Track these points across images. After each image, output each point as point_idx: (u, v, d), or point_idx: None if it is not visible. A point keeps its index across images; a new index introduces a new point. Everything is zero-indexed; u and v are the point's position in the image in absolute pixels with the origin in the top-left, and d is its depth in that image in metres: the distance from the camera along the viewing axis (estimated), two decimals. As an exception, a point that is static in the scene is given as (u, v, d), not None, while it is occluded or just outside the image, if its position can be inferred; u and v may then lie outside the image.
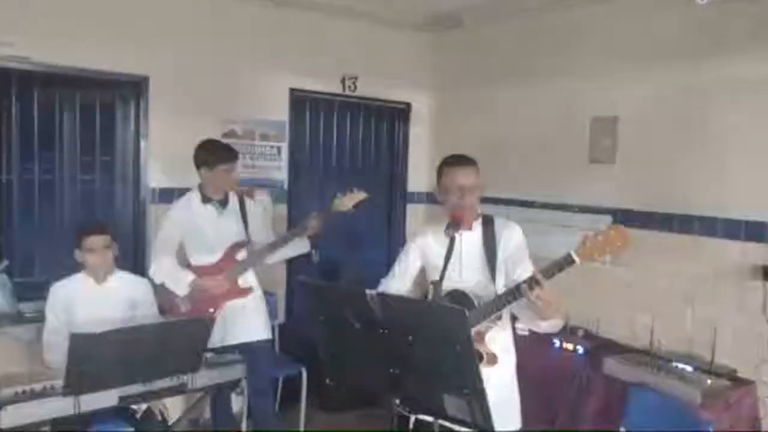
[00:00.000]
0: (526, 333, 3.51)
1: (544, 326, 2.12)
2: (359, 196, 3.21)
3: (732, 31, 3.09)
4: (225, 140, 3.64)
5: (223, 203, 3.30)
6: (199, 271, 3.22)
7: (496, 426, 2.04)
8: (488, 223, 2.36)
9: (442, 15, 4.72)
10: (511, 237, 2.32)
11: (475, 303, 2.23)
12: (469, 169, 2.31)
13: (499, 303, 2.13)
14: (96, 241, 2.87)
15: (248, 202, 3.42)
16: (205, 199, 3.25)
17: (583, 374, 3.02)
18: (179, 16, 3.86)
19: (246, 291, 3.30)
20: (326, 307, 1.95)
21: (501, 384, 2.31)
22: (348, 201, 3.19)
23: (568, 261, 1.98)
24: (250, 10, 4.11)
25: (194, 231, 3.23)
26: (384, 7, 4.52)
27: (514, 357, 2.42)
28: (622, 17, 3.58)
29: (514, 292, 2.06)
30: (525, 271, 2.23)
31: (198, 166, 3.21)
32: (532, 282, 1.97)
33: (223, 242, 3.25)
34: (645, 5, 3.46)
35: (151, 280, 3.23)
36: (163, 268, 3.17)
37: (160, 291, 3.25)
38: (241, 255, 3.29)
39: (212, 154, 3.19)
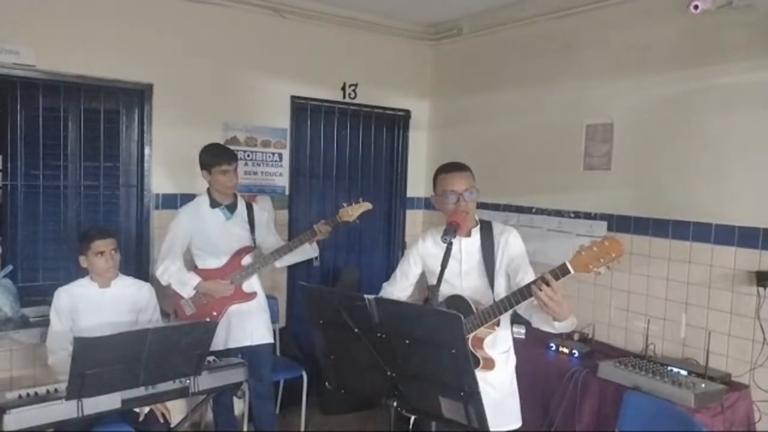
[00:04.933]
0: (523, 337, 3.58)
1: (558, 326, 2.13)
2: (364, 206, 3.28)
3: (726, 40, 3.12)
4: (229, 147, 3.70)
5: (231, 208, 3.35)
6: (205, 274, 3.26)
7: (498, 424, 2.08)
8: (486, 228, 2.40)
9: (442, 24, 4.78)
10: (509, 242, 2.36)
11: (473, 308, 2.27)
12: (464, 174, 2.35)
13: (504, 305, 2.16)
14: (104, 243, 2.91)
15: (256, 208, 3.47)
16: (214, 203, 3.31)
17: (579, 378, 3.05)
18: (182, 25, 3.91)
19: (250, 295, 3.35)
20: (325, 312, 1.98)
21: (501, 384, 2.37)
22: (353, 211, 3.25)
23: (563, 271, 2.01)
24: (252, 19, 4.15)
25: (202, 234, 3.28)
26: (384, 16, 4.58)
27: (513, 358, 2.47)
28: (618, 26, 3.62)
29: (524, 293, 2.09)
30: (526, 274, 2.28)
31: (201, 170, 3.28)
32: (541, 283, 2.00)
33: (229, 247, 3.30)
34: (640, 14, 3.50)
35: (157, 282, 3.28)
36: (170, 270, 3.22)
37: (166, 292, 3.30)
38: (247, 260, 3.34)
39: (209, 156, 3.26)
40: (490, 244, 2.37)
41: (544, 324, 2.20)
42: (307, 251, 3.40)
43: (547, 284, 1.99)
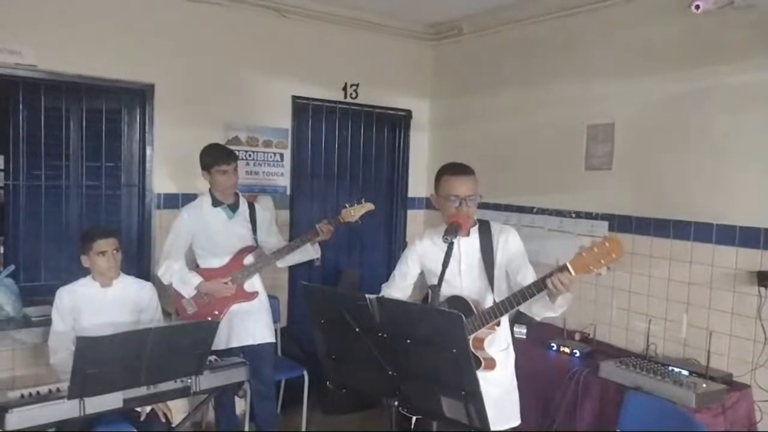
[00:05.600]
0: (524, 336, 3.58)
1: (559, 309, 2.16)
2: (367, 207, 3.28)
3: (728, 40, 3.12)
4: (228, 147, 3.70)
5: (234, 208, 3.36)
6: (207, 274, 3.27)
7: (497, 423, 2.08)
8: (485, 228, 2.40)
9: (443, 24, 4.78)
10: (508, 241, 2.36)
11: (473, 309, 2.27)
12: (469, 179, 2.34)
13: (506, 306, 2.16)
14: (106, 243, 2.91)
15: (258, 207, 3.48)
16: (216, 203, 3.31)
17: (580, 378, 3.05)
18: (184, 25, 3.91)
19: (251, 295, 3.35)
20: (326, 311, 1.98)
21: (501, 382, 2.37)
22: (355, 211, 3.26)
23: (563, 272, 2.01)
24: (254, 19, 4.16)
25: (204, 234, 3.29)
26: (385, 16, 4.58)
27: (512, 356, 2.47)
28: (619, 26, 3.62)
29: (525, 294, 2.10)
30: (527, 273, 2.28)
31: (201, 171, 3.29)
32: (561, 273, 2.01)
33: (231, 246, 3.31)
34: (642, 14, 3.50)
35: (158, 281, 3.28)
36: (171, 269, 3.23)
37: (168, 292, 3.30)
38: (248, 260, 3.34)
39: (209, 157, 3.27)
40: (489, 243, 2.37)
41: (544, 311, 2.21)
42: (309, 252, 3.40)
43: (566, 280, 2.00)
